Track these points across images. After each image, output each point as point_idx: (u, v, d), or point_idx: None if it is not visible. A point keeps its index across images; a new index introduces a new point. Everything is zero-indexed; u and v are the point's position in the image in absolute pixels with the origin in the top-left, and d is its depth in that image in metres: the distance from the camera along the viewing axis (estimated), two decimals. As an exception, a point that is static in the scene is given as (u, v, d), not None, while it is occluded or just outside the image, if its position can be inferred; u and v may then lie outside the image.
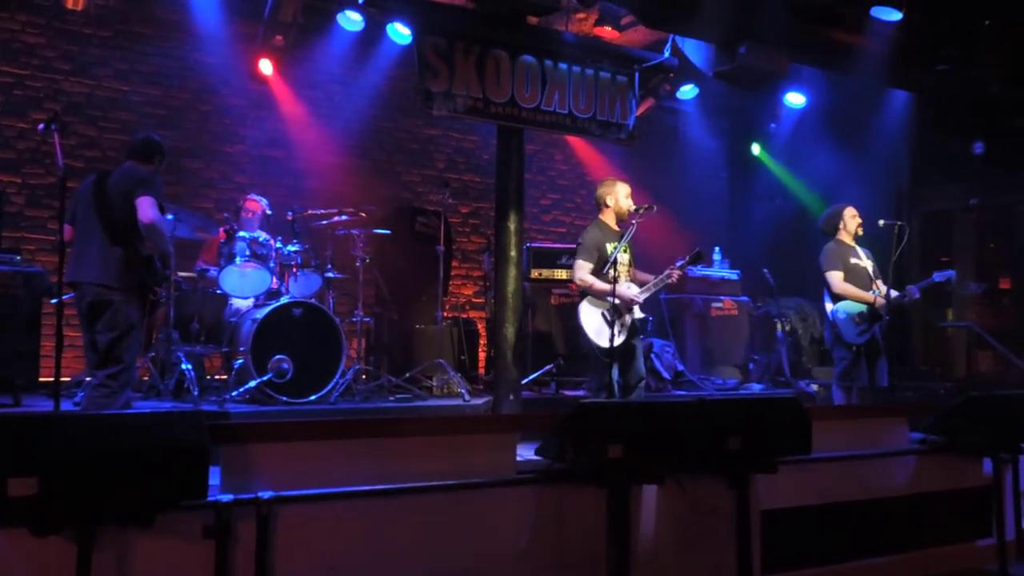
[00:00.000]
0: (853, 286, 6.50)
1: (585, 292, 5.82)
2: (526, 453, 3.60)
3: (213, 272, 6.52)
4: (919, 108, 9.05)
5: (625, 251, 5.85)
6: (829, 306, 6.63)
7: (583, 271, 5.81)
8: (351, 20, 7.45)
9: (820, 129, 9.71)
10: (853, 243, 6.69)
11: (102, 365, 4.77)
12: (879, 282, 6.55)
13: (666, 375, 8.27)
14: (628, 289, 5.73)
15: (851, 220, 6.69)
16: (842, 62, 7.75)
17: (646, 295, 5.79)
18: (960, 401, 4.72)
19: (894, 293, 6.53)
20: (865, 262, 6.61)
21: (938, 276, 6.60)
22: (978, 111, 8.93)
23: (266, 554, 2.81)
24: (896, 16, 7.12)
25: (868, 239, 6.82)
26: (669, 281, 5.80)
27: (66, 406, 5.32)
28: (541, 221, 10.63)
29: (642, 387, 5.89)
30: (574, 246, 6.04)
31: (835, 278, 6.54)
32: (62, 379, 4.70)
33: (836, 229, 6.73)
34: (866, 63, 7.53)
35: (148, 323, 6.50)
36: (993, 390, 5.17)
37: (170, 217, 6.13)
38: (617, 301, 5.56)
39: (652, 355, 8.16)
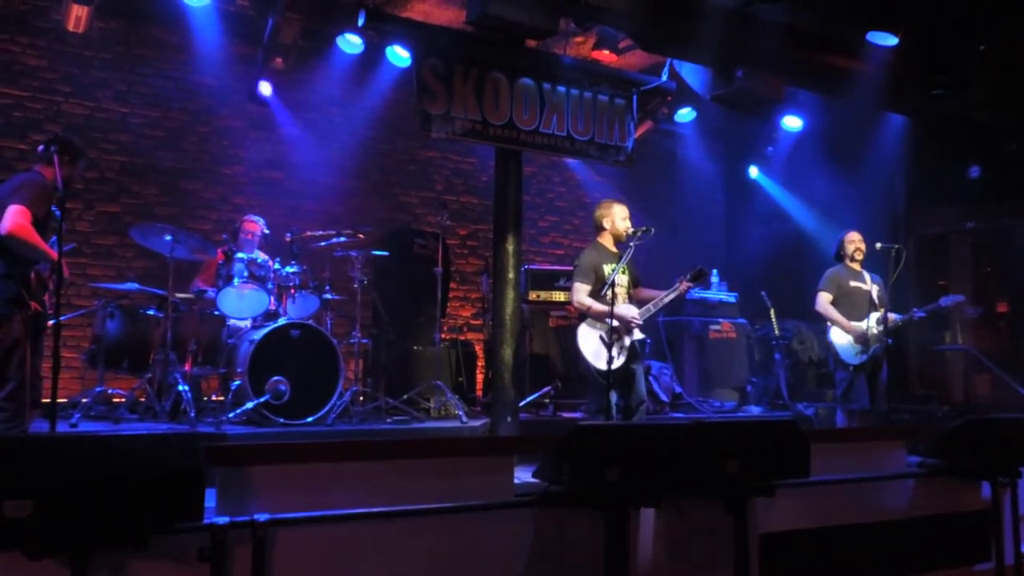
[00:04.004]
0: (835, 310, 6.68)
1: (584, 314, 5.82)
2: (524, 476, 3.59)
3: (211, 293, 6.52)
4: (915, 132, 9.11)
5: (624, 272, 5.85)
6: (831, 329, 6.71)
7: (581, 293, 5.80)
8: (351, 43, 7.50)
9: (817, 153, 9.75)
10: (859, 268, 6.81)
11: None
12: (883, 309, 6.63)
13: (664, 397, 8.25)
14: (628, 310, 5.73)
15: (848, 245, 6.88)
16: (838, 86, 7.80)
17: (646, 316, 5.79)
18: (958, 424, 4.71)
19: (899, 317, 6.60)
20: (869, 286, 6.74)
21: (945, 301, 6.71)
22: (973, 135, 8.99)
23: (262, 577, 2.80)
24: (892, 41, 7.19)
25: (865, 262, 6.88)
26: (675, 294, 5.80)
27: (62, 427, 5.29)
28: (539, 243, 10.66)
29: (643, 411, 5.87)
30: (572, 268, 6.05)
31: (820, 298, 6.80)
32: (59, 400, 4.68)
33: (843, 255, 6.95)
34: (862, 87, 7.59)
35: (146, 342, 6.48)
36: (991, 413, 5.15)
37: (168, 238, 6.15)
38: (616, 323, 5.56)
39: (650, 377, 8.15)
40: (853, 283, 6.74)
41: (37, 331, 4.81)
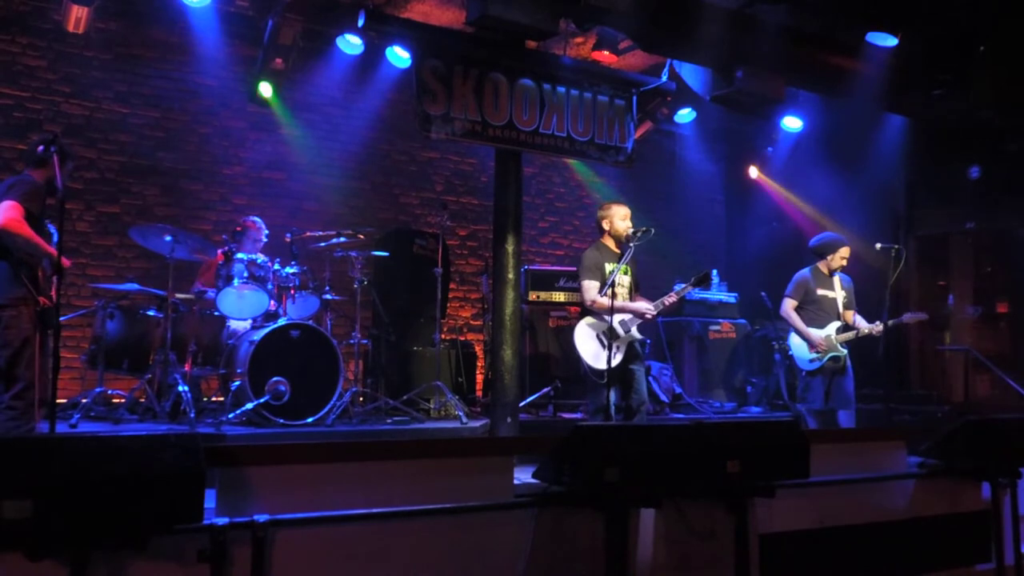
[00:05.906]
0: (798, 317, 6.72)
1: (582, 313, 5.82)
2: (523, 476, 3.59)
3: (211, 294, 6.52)
4: (915, 132, 9.10)
5: (625, 272, 5.86)
6: (791, 333, 6.81)
7: (592, 291, 5.80)
8: (351, 44, 7.51)
9: (817, 153, 9.75)
10: (829, 274, 6.81)
11: (4, 388, 4.65)
12: (850, 312, 6.74)
13: (664, 398, 8.25)
14: (639, 305, 5.78)
15: (839, 260, 6.83)
16: (838, 87, 7.79)
17: (658, 309, 5.82)
18: (958, 425, 4.71)
19: (866, 325, 6.62)
20: (837, 293, 6.78)
21: (907, 317, 6.80)
22: (974, 135, 8.99)
23: (261, 578, 2.80)
24: (891, 41, 7.19)
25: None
26: (670, 301, 5.82)
27: (62, 428, 5.29)
28: (539, 243, 10.65)
29: (644, 412, 5.87)
30: (572, 268, 6.06)
31: (785, 303, 6.84)
32: (58, 400, 4.67)
33: (822, 257, 6.89)
34: (862, 88, 7.58)
35: (145, 342, 6.48)
36: (991, 414, 5.15)
37: (168, 238, 6.15)
38: (617, 322, 5.56)
39: (650, 378, 8.15)
40: (821, 291, 6.77)
41: (46, 326, 4.82)
